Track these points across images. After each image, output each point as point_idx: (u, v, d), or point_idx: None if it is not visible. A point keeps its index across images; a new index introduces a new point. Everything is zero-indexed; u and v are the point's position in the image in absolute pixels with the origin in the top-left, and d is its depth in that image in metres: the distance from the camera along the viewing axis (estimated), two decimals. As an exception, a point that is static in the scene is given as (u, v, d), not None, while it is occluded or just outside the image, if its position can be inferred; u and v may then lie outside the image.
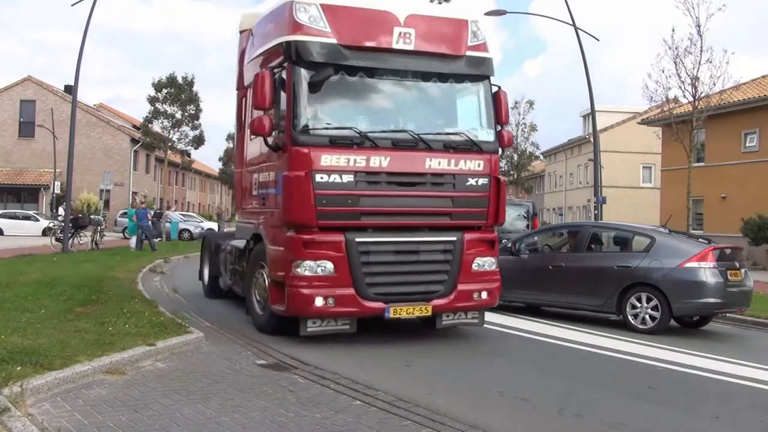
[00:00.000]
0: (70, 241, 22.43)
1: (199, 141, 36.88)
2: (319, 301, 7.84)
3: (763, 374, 7.67)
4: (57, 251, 21.11)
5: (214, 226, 39.50)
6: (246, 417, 5.20)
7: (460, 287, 8.46)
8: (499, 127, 8.87)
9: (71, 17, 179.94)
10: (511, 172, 44.89)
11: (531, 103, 43.86)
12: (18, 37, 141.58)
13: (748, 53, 56.79)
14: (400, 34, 8.13)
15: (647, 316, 10.09)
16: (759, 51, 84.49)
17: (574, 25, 21.77)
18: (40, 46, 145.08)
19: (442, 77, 8.59)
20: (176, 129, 35.66)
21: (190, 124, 35.88)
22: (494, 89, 8.84)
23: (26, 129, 48.25)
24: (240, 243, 10.09)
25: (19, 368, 5.68)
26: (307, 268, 7.87)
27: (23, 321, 7.90)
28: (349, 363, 7.36)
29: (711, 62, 21.33)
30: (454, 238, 8.44)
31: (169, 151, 37.31)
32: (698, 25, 21.26)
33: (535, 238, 12.75)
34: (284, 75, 8.05)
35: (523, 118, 44.06)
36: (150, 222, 25.62)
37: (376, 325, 9.10)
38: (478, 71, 8.69)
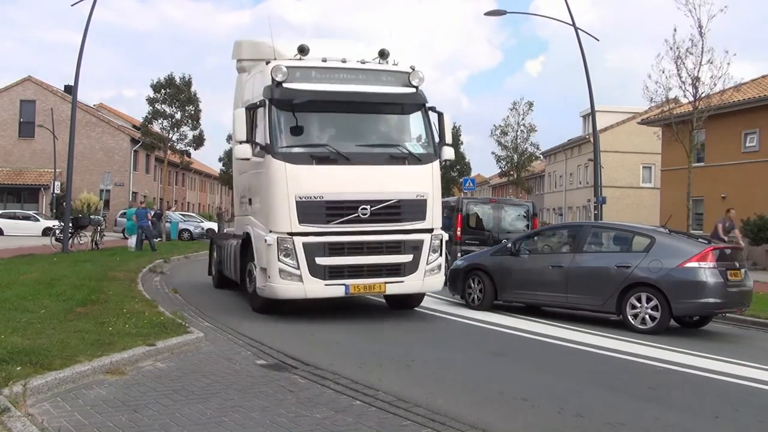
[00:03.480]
0: (70, 241, 22.43)
1: (198, 141, 36.83)
2: None
3: (763, 374, 7.66)
4: (57, 251, 21.10)
5: (214, 226, 39.53)
6: (246, 417, 5.20)
7: None
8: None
9: (71, 17, 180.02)
10: (511, 172, 44.91)
11: (530, 104, 43.93)
12: (18, 37, 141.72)
13: (750, 56, 56.75)
14: None
15: (647, 316, 10.08)
16: (761, 53, 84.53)
17: (574, 25, 21.77)
18: (40, 46, 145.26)
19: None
20: (176, 129, 35.60)
21: (190, 125, 35.81)
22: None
23: (26, 129, 48.26)
24: None
25: (19, 368, 5.68)
26: None
27: (23, 321, 7.89)
28: (349, 363, 7.36)
29: (712, 63, 21.32)
30: None
31: (169, 152, 37.23)
32: (700, 26, 21.24)
33: (535, 238, 12.75)
34: None
35: (523, 119, 44.12)
36: (150, 222, 25.61)
37: (376, 325, 9.12)
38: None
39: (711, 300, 9.94)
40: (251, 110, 10.27)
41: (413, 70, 10.75)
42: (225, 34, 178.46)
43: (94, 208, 35.78)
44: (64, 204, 25.54)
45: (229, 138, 54.35)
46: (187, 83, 35.90)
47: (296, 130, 10.30)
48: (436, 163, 10.73)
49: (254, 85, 11.18)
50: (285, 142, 10.10)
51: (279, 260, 9.78)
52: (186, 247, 28.59)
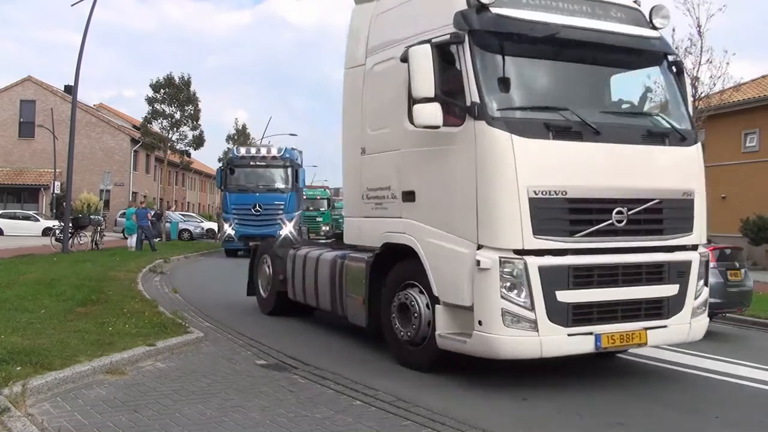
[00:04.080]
0: (70, 241, 22.43)
1: (198, 141, 36.82)
2: None
3: (763, 374, 7.68)
4: (57, 251, 21.10)
5: (214, 226, 39.53)
6: (246, 417, 5.20)
7: None
8: None
9: (71, 17, 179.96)
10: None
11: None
12: (18, 37, 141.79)
13: (750, 55, 56.81)
14: None
15: (647, 316, 10.05)
16: (761, 53, 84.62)
17: (574, 25, 21.73)
18: (40, 46, 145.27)
19: None
20: (175, 129, 35.59)
21: (190, 125, 35.80)
22: None
23: (26, 129, 48.33)
24: None
25: (19, 368, 5.68)
26: None
27: (23, 321, 7.90)
28: (349, 363, 7.36)
29: (711, 62, 21.31)
30: None
31: (168, 152, 37.23)
32: (699, 26, 21.23)
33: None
34: None
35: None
36: (149, 222, 25.62)
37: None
38: None
39: (711, 300, 9.91)
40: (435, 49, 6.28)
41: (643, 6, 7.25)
42: (225, 34, 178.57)
43: (94, 208, 35.84)
44: (64, 204, 25.55)
45: (229, 138, 54.41)
46: (187, 83, 35.88)
47: (512, 84, 6.39)
48: (699, 146, 7.33)
49: (405, 17, 7.27)
50: (504, 102, 6.31)
51: (502, 296, 5.99)
52: (186, 247, 28.61)
